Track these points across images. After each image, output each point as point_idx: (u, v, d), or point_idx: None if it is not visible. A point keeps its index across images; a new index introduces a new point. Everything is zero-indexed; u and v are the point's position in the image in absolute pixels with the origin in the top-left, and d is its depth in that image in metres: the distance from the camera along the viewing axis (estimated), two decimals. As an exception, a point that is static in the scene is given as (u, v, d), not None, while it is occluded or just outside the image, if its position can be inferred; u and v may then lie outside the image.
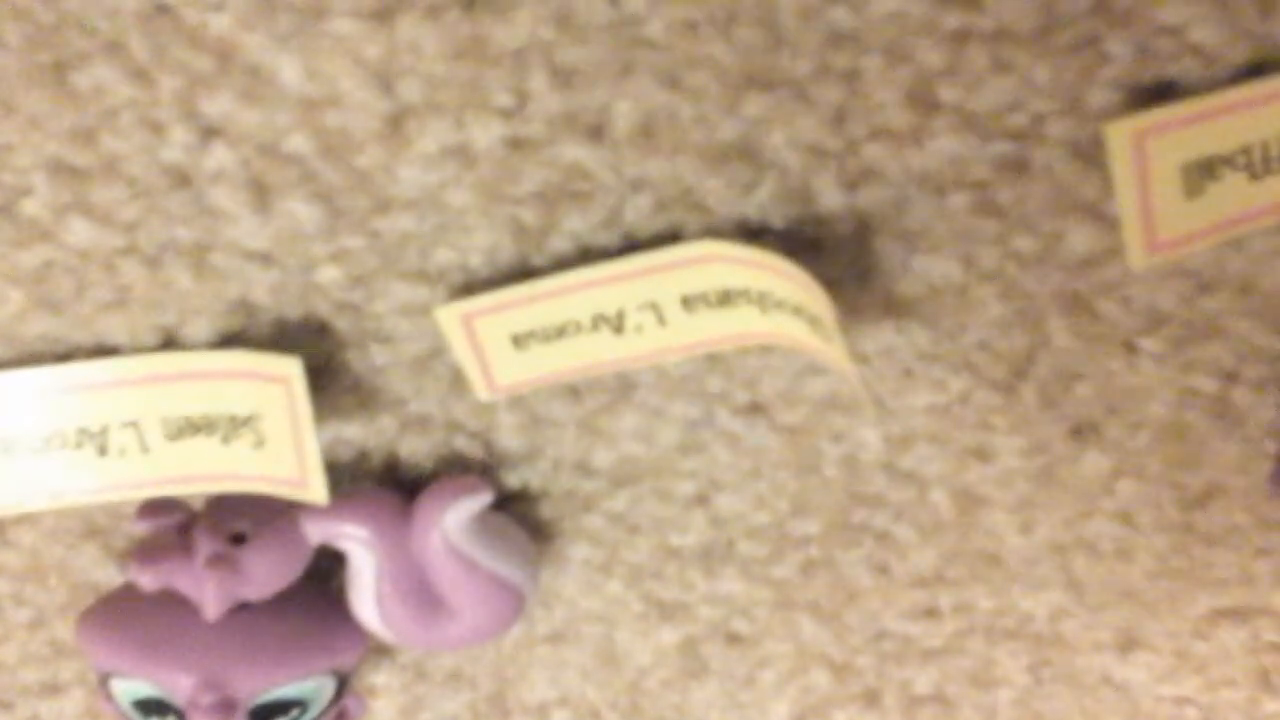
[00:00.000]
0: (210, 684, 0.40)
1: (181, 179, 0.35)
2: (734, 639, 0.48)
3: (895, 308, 0.38)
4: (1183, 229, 0.33)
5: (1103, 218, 0.36)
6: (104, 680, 0.42)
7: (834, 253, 0.37)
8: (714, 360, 0.40)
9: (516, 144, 0.35)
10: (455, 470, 0.42)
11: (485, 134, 0.34)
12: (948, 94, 0.34)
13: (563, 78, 0.33)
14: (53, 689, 0.48)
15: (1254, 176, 0.33)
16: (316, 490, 0.38)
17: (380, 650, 0.47)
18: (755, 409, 0.41)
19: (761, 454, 0.42)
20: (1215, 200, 0.33)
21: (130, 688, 0.41)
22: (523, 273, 0.37)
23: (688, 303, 0.37)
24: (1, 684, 0.48)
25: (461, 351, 0.38)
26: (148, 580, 0.39)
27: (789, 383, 0.40)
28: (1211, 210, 0.33)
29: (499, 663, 0.48)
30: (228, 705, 0.40)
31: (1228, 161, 0.33)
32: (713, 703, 0.49)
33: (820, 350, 0.35)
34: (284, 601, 0.41)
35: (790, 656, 0.48)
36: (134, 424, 0.39)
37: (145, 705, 0.41)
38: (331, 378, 0.40)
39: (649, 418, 0.41)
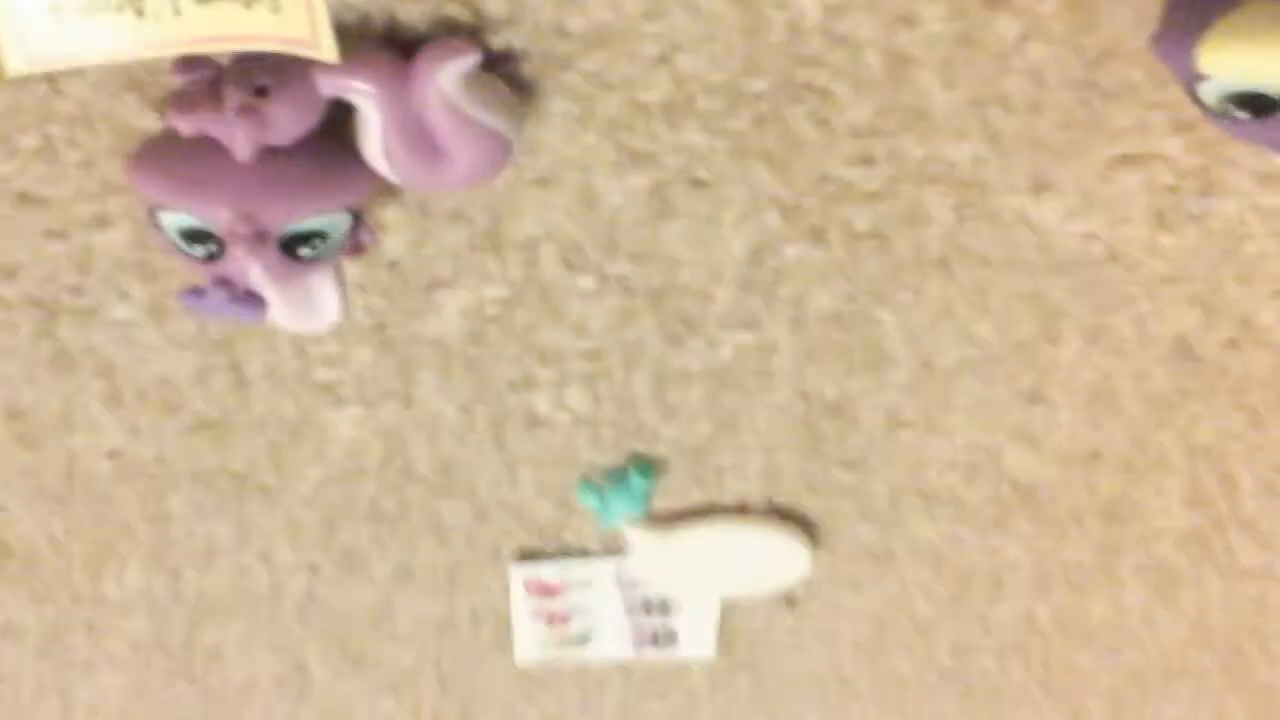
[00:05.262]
0: (243, 214, 0.47)
1: None
2: (697, 184, 0.54)
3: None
4: None
5: None
6: (152, 213, 0.49)
7: None
8: (671, -67, 0.45)
9: None
10: (447, 33, 0.48)
11: None
12: None
13: None
14: (103, 221, 0.55)
15: None
16: (327, 49, 0.44)
17: (390, 192, 0.54)
18: (710, -22, 0.47)
19: (716, 19, 0.48)
20: None
21: (176, 219, 0.48)
22: None
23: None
24: (56, 218, 0.55)
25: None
26: (185, 126, 0.46)
27: (738, -46, 0.46)
28: None
29: (493, 202, 0.55)
30: (259, 234, 0.48)
31: None
32: (679, 240, 0.57)
33: None
34: (305, 147, 0.48)
35: (745, 199, 0.55)
36: (166, -10, 0.44)
37: (189, 235, 0.48)
38: (335, -51, 0.45)
39: (616, -15, 0.47)
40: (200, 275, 0.50)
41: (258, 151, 0.47)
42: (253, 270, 0.49)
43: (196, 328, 0.61)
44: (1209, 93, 0.44)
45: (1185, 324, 0.59)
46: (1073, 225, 0.56)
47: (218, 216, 0.48)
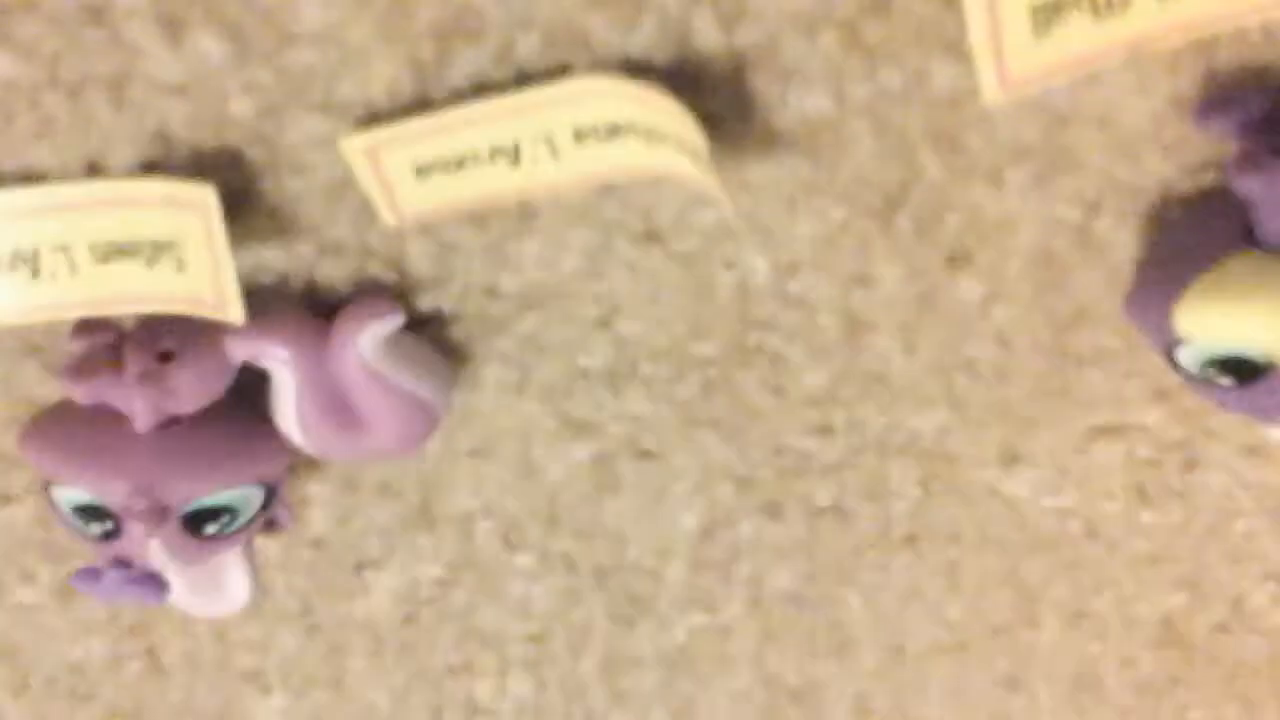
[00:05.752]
0: (142, 491, 0.43)
1: (96, 15, 0.37)
2: (643, 454, 0.51)
3: (775, 141, 0.40)
4: (1033, 67, 0.36)
5: (963, 55, 0.38)
6: (46, 487, 0.45)
7: (713, 89, 0.39)
8: (609, 189, 0.42)
9: (410, -18, 0.37)
10: (369, 294, 0.45)
11: (380, -27, 0.36)
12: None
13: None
14: (4, 499, 0.51)
15: (1098, 17, 0.35)
16: (234, 312, 0.41)
17: (314, 463, 0.51)
18: (651, 237, 0.44)
19: (659, 279, 0.45)
20: (1062, 39, 0.35)
21: (70, 495, 0.44)
22: (423, 106, 0.39)
23: (579, 136, 0.39)
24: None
25: (367, 181, 0.40)
26: (81, 394, 0.42)
27: (680, 211, 0.43)
28: (1060, 49, 0.35)
29: (424, 475, 0.51)
30: (159, 511, 0.43)
31: (1074, 3, 0.35)
32: (626, 514, 0.53)
33: (702, 182, 0.38)
34: (212, 415, 0.44)
35: (696, 471, 0.51)
36: (64, 248, 0.41)
37: (84, 511, 0.44)
38: (250, 205, 0.42)
39: (551, 245, 0.44)
40: (97, 555, 0.46)
41: (160, 421, 0.43)
42: (152, 549, 0.45)
43: (108, 612, 0.56)
44: (1188, 358, 0.40)
45: (1172, 606, 0.55)
46: (1047, 501, 0.52)
47: (113, 491, 0.43)
